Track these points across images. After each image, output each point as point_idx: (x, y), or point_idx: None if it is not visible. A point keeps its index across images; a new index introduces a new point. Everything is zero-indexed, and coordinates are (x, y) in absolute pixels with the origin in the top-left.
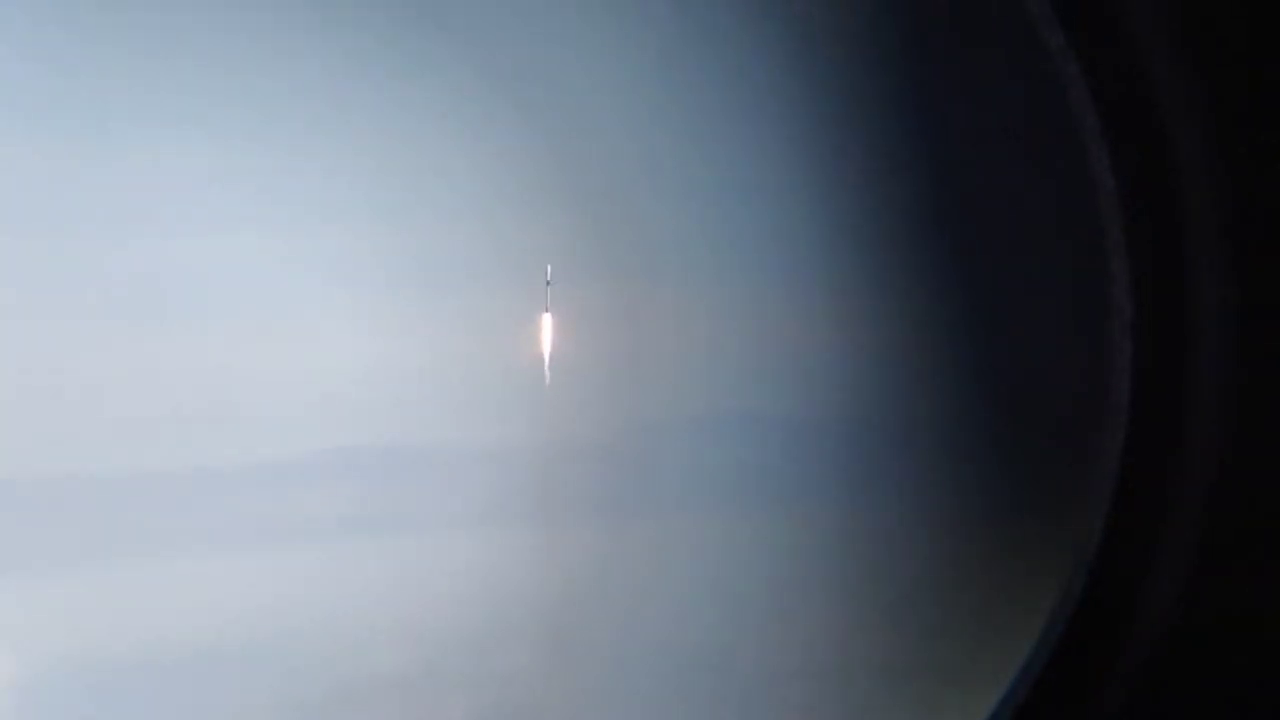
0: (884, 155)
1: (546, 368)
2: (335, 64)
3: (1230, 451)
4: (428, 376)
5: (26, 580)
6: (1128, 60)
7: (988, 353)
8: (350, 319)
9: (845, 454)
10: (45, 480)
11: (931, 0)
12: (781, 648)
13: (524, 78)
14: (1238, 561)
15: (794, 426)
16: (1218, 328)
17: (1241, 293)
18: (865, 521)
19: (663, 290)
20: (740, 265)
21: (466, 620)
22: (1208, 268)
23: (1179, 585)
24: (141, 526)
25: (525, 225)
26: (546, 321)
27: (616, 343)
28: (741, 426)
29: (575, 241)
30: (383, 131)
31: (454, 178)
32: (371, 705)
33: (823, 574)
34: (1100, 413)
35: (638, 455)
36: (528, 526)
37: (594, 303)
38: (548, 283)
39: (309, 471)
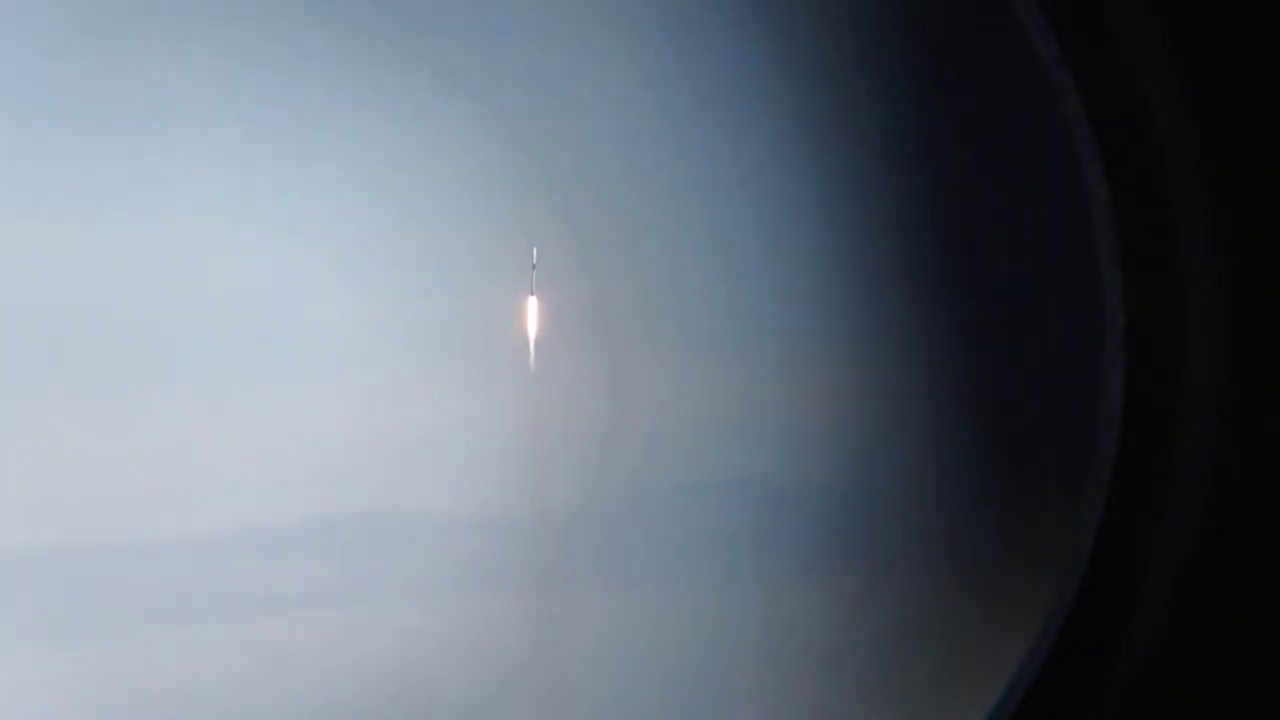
0: (876, 168)
1: (532, 355)
2: (314, 69)
3: (1223, 460)
4: (413, 443)
5: (13, 653)
6: (1121, 71)
7: (982, 362)
8: (333, 387)
9: (835, 457)
10: (28, 552)
11: (924, 13)
12: (776, 654)
13: (521, 93)
14: (1231, 569)
15: (780, 487)
16: (1211, 337)
17: (1234, 302)
18: (860, 528)
19: (649, 355)
20: (729, 321)
21: (456, 686)
22: (1201, 277)
23: (1173, 593)
24: (126, 597)
25: (511, 289)
26: (532, 306)
27: (603, 410)
28: (729, 492)
29: (564, 302)
30: (364, 159)
31: (440, 227)
32: None
33: (816, 579)
34: (1094, 422)
35: (626, 522)
36: (515, 593)
37: (580, 369)
38: (533, 266)
39: (293, 540)
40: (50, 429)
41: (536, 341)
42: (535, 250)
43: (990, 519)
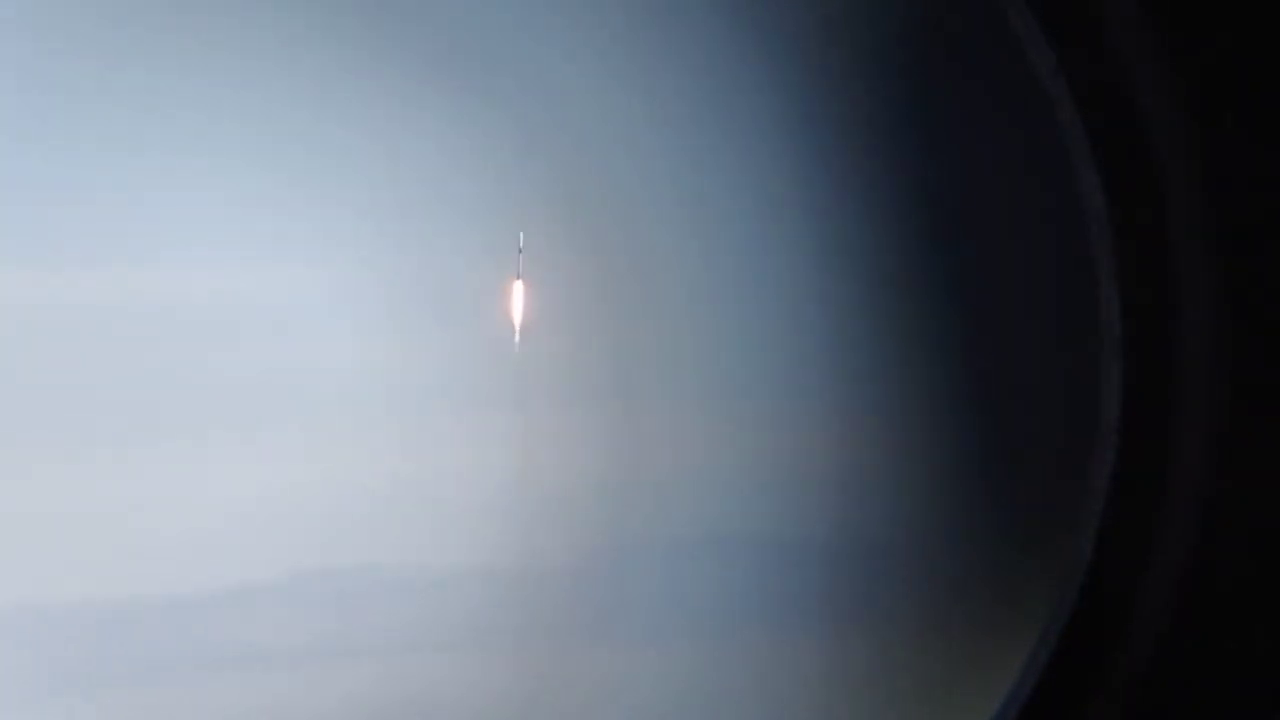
0: (869, 177)
1: (516, 337)
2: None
3: (1219, 469)
4: (399, 494)
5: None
6: (1117, 81)
7: (976, 371)
8: (317, 439)
9: (831, 506)
10: (17, 611)
11: (919, 23)
12: (772, 710)
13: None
14: (1227, 578)
15: (777, 540)
16: (1207, 347)
17: (1230, 311)
18: (861, 527)
19: (643, 408)
20: (723, 375)
21: None
22: (1196, 287)
23: (1169, 604)
24: (114, 655)
25: (502, 330)
26: (518, 290)
27: (595, 463)
28: (725, 547)
29: (556, 357)
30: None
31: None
32: None
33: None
34: (1091, 433)
35: (620, 577)
36: (505, 649)
37: (572, 423)
38: (519, 250)
39: (278, 596)
40: (27, 486)
41: (522, 326)
42: (522, 235)
43: (983, 535)
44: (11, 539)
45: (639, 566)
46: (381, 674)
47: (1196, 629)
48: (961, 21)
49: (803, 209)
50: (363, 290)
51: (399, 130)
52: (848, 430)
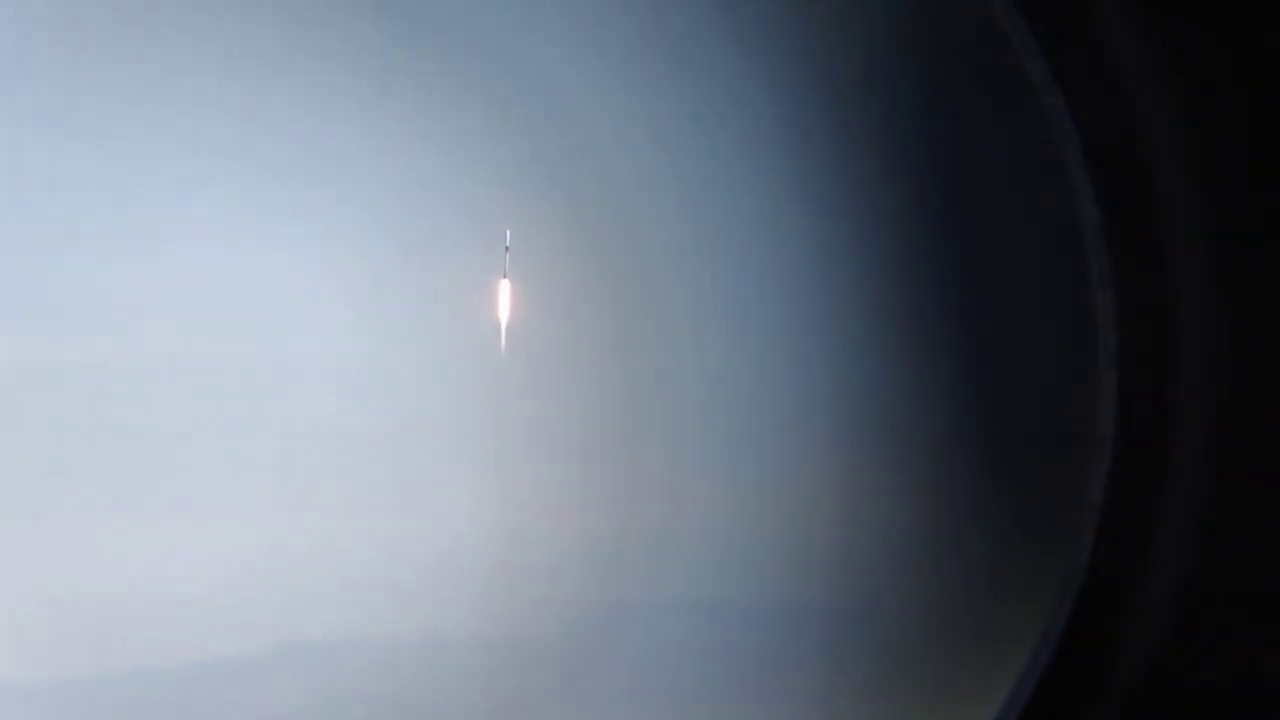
0: (867, 185)
1: (503, 338)
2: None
3: (1218, 472)
4: (380, 563)
5: None
6: (1111, 90)
7: (971, 379)
8: (299, 505)
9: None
10: None
11: (913, 34)
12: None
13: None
14: (1226, 581)
15: (763, 606)
16: (1202, 357)
17: (1226, 321)
18: (859, 534)
19: (630, 467)
20: (719, 398)
21: None
22: (1192, 297)
23: (1168, 607)
24: None
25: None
26: (504, 288)
27: (579, 525)
28: (710, 612)
29: (544, 417)
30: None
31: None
32: None
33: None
34: (1085, 444)
35: (603, 642)
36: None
37: (557, 483)
38: (506, 248)
39: (261, 668)
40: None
41: (508, 327)
42: (509, 233)
43: (977, 544)
44: None
45: (631, 632)
46: None
47: (1196, 632)
48: (958, 26)
49: (801, 215)
50: (347, 333)
51: (396, 132)
52: (847, 439)
